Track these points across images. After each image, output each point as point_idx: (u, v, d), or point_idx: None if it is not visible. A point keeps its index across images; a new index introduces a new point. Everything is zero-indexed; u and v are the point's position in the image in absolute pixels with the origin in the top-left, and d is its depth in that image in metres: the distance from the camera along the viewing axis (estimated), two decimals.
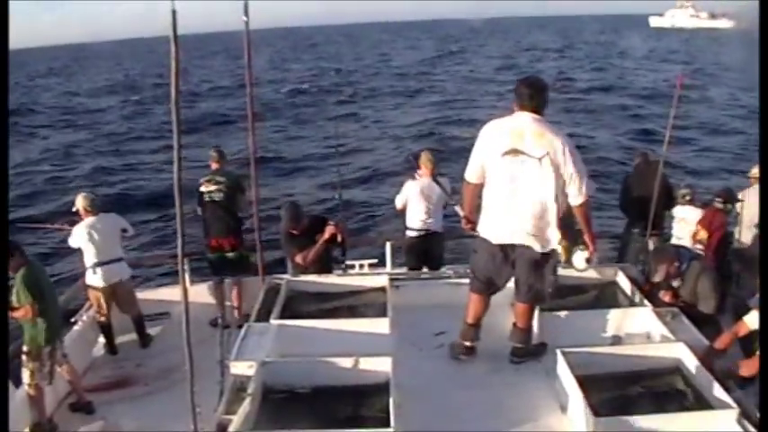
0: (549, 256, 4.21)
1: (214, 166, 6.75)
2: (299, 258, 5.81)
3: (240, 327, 4.44)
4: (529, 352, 4.37)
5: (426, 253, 6.68)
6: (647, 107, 27.88)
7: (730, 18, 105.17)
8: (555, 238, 4.16)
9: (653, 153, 7.82)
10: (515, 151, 3.98)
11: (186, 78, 43.65)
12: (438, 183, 6.19)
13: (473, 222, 4.38)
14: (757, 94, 5.08)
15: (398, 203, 6.70)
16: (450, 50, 69.77)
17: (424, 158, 6.58)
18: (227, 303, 6.63)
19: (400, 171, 7.05)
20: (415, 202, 6.56)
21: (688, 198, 6.89)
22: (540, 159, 3.95)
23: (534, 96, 4.06)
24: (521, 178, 4.01)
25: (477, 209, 4.34)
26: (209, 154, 6.86)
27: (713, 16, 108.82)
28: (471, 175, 4.25)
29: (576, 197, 4.09)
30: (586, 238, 4.26)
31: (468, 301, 4.43)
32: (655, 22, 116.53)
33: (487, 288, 4.38)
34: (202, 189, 6.56)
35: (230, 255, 6.60)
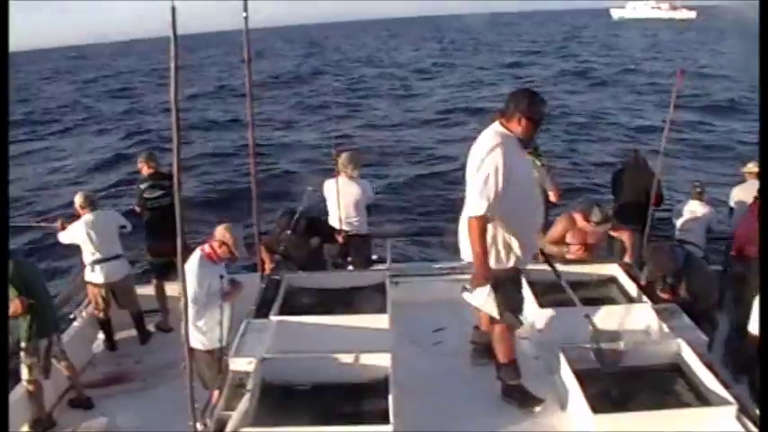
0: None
1: (147, 170, 6.59)
2: (267, 261, 5.70)
3: None
4: (513, 394, 4.00)
5: (347, 255, 6.57)
6: None
7: (690, 9, 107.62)
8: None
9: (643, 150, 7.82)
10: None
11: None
12: (357, 183, 6.31)
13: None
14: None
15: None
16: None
17: (343, 159, 6.51)
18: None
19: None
20: (332, 203, 6.47)
21: (698, 191, 6.92)
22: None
23: (505, 106, 3.80)
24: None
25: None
26: (139, 161, 6.73)
27: (674, 8, 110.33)
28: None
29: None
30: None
31: (509, 340, 4.06)
32: (617, 14, 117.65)
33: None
34: (147, 195, 6.47)
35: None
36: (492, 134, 3.77)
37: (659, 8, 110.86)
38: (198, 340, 4.51)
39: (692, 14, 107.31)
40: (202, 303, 4.47)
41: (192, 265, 4.48)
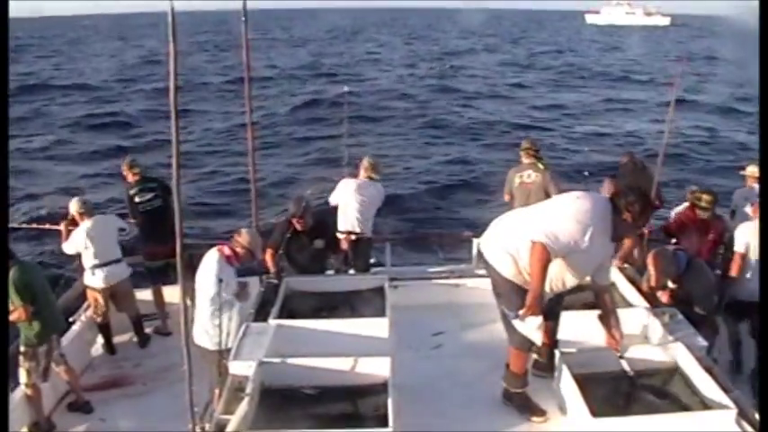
0: None
1: (133, 177, 6.55)
2: (268, 256, 5.58)
3: None
4: (513, 399, 4.04)
5: (349, 256, 6.52)
6: None
7: (665, 15, 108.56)
8: None
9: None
10: None
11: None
12: (376, 186, 6.34)
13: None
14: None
15: (332, 201, 6.62)
16: None
17: (365, 161, 6.61)
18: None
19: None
20: (348, 202, 6.44)
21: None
22: None
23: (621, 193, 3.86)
24: None
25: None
26: (123, 167, 6.68)
27: (649, 14, 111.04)
28: None
29: None
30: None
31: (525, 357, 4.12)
32: (591, 19, 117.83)
33: None
34: (137, 200, 6.46)
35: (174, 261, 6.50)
36: (603, 206, 3.77)
37: (633, 14, 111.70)
38: (211, 340, 4.48)
39: (667, 21, 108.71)
40: (221, 303, 4.38)
41: (212, 265, 4.46)
